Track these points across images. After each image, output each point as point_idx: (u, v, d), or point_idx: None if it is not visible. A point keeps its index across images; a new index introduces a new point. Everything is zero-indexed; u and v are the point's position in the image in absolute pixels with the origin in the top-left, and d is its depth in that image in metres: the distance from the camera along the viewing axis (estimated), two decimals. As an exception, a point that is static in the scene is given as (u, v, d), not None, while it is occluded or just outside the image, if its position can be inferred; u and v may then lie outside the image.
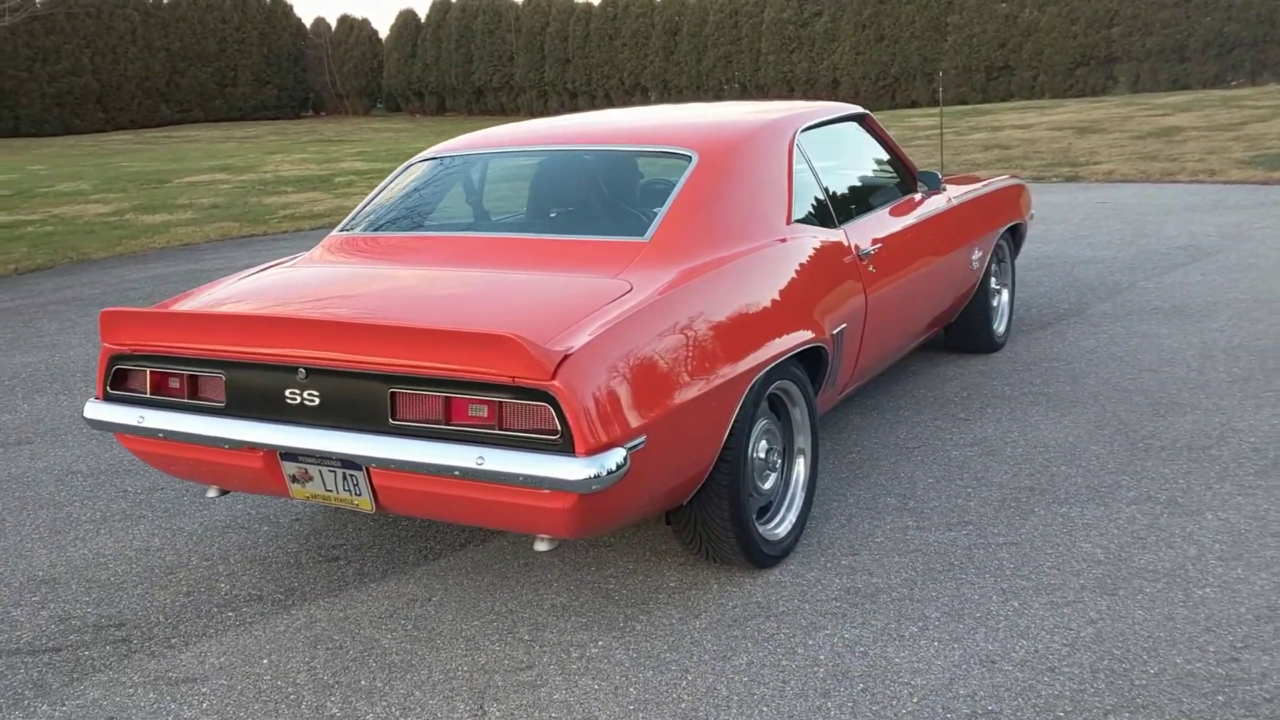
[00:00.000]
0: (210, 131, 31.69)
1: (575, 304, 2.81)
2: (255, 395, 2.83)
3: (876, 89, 29.25)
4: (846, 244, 3.68)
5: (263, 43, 37.80)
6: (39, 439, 4.80)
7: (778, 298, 3.18)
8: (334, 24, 38.93)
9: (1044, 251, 7.48)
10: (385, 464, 2.65)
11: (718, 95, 31.63)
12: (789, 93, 30.29)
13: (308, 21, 39.34)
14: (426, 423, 2.63)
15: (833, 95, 28.71)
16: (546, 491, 2.49)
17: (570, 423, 2.46)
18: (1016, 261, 5.60)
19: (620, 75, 33.23)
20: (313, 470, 2.81)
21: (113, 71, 34.68)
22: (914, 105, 27.73)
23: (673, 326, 2.78)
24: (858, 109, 4.36)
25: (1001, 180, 5.40)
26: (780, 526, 3.29)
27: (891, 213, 4.14)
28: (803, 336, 3.19)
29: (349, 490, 2.80)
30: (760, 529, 3.19)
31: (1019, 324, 5.69)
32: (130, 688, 2.79)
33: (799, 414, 3.35)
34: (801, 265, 3.36)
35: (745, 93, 31.31)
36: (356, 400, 2.69)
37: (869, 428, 4.35)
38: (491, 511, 2.67)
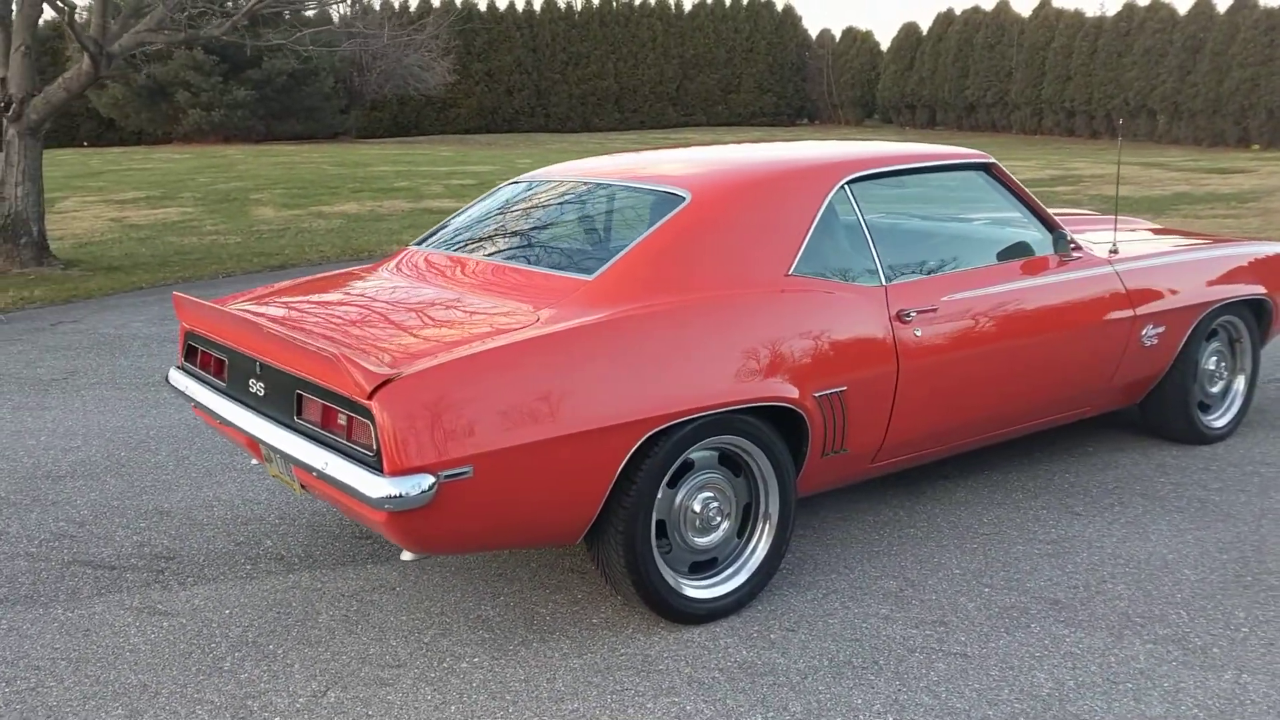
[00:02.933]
0: (704, 135, 33.67)
1: (472, 332, 2.94)
2: (239, 381, 3.26)
3: None
4: (883, 303, 3.42)
5: (768, 52, 39.50)
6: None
7: (722, 349, 3.06)
8: (838, 35, 39.71)
9: None
10: (285, 455, 2.96)
11: (1237, 122, 28.35)
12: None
13: (813, 33, 40.47)
14: (312, 424, 2.90)
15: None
16: (368, 504, 2.67)
17: (381, 442, 2.62)
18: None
19: (1125, 95, 30.83)
20: (268, 452, 3.19)
21: (631, 76, 37.97)
22: None
23: (547, 365, 2.81)
24: (981, 157, 3.97)
25: (1242, 246, 4.62)
26: (719, 586, 3.18)
27: (985, 274, 3.74)
28: (749, 393, 3.05)
29: (287, 473, 3.15)
30: (688, 584, 3.12)
31: (1267, 417, 4.82)
32: (123, 610, 3.33)
33: (763, 475, 3.21)
34: (780, 318, 3.20)
35: (1272, 119, 27.75)
36: (280, 397, 3.03)
37: (953, 500, 3.97)
38: (353, 513, 2.89)
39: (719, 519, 3.16)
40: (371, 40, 23.08)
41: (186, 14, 8.55)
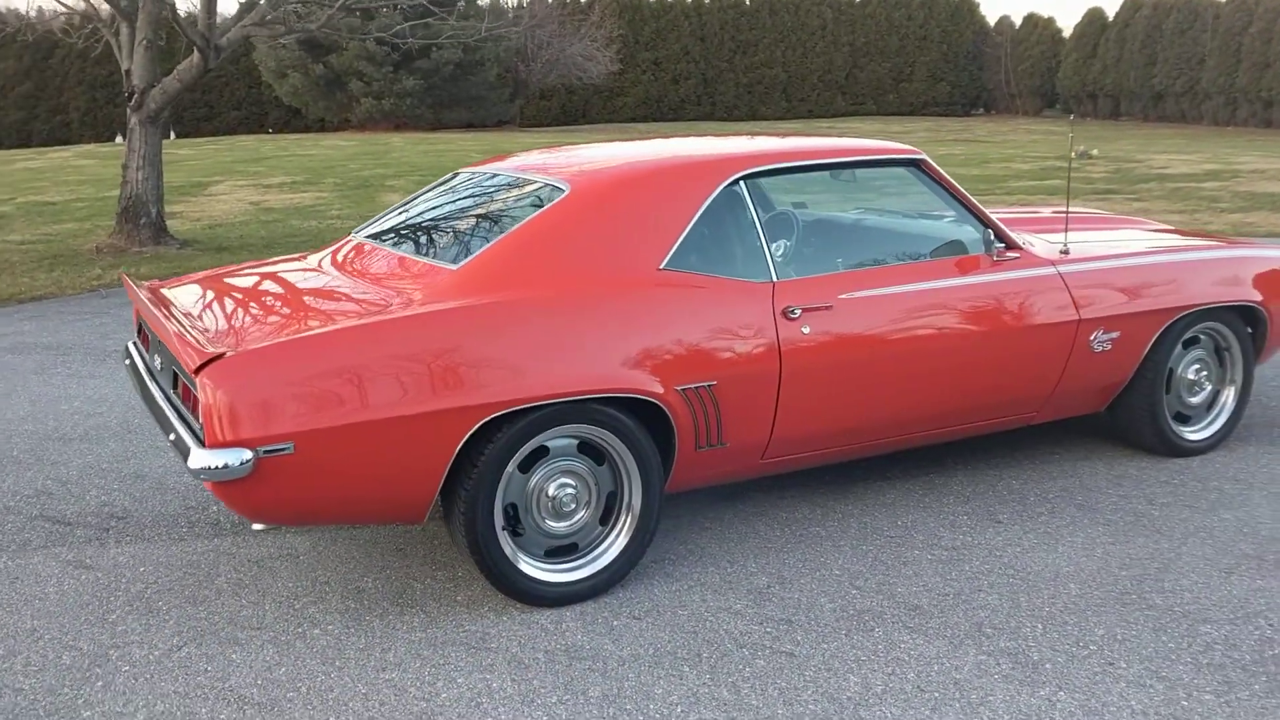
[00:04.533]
0: (872, 125, 33.06)
1: (322, 318, 3.10)
2: (152, 357, 3.52)
3: None
4: (768, 299, 3.41)
5: (943, 40, 38.43)
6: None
7: (574, 340, 3.12)
8: (1018, 22, 38.28)
9: None
10: (165, 427, 3.18)
11: None
12: None
13: (991, 19, 39.14)
14: (180, 400, 3.12)
15: None
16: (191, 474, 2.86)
17: (203, 416, 2.81)
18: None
19: (1329, 84, 28.69)
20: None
21: (800, 64, 37.61)
22: None
23: (373, 351, 2.94)
24: (910, 153, 3.87)
25: (1243, 250, 4.35)
26: (575, 572, 3.25)
27: (894, 272, 3.66)
28: (601, 384, 3.11)
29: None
30: (541, 567, 3.21)
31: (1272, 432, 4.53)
32: (60, 563, 3.65)
33: (625, 466, 3.26)
34: (643, 312, 3.23)
35: None
36: (167, 374, 3.27)
37: (879, 501, 3.90)
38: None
39: (575, 506, 3.23)
40: (532, 29, 23.66)
41: (293, 8, 9.01)
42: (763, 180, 3.56)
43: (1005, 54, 38.08)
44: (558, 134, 27.96)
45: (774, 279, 3.46)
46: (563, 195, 3.39)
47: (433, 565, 3.52)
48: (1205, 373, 4.29)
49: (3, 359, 6.28)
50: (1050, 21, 37.45)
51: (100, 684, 2.88)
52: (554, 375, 3.06)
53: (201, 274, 4.02)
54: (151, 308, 3.34)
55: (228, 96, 32.67)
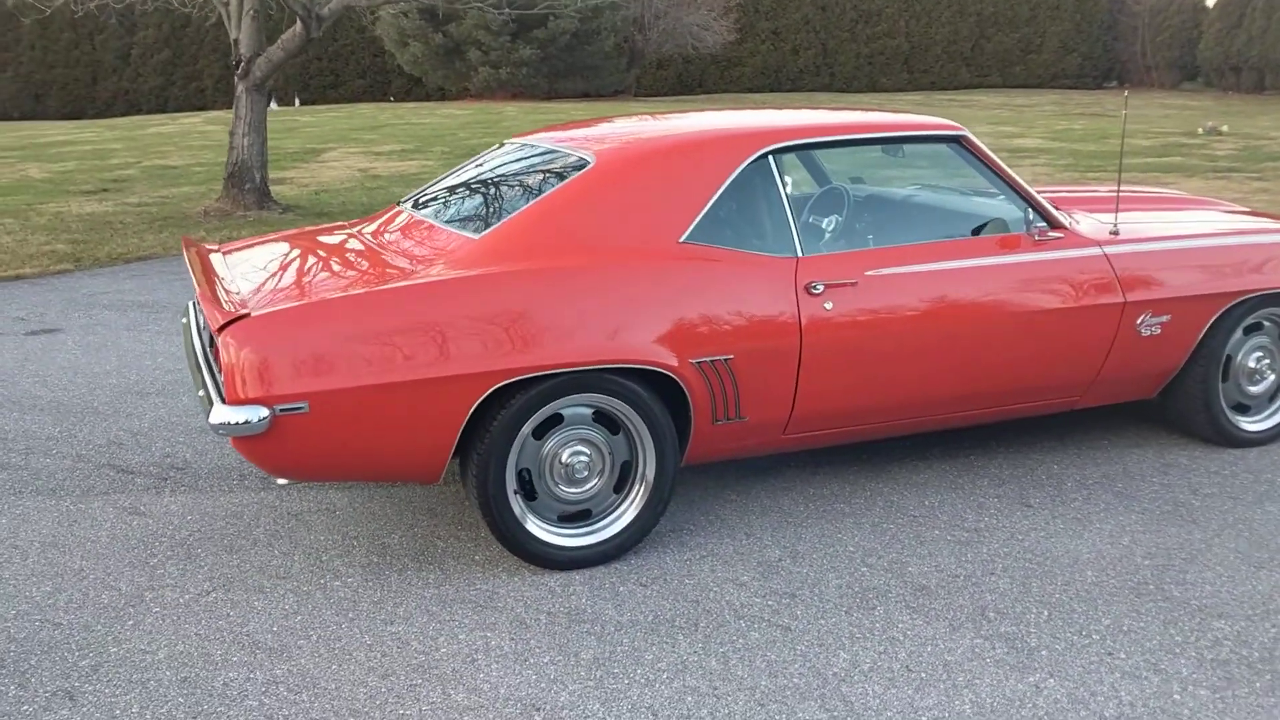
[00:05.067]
0: (996, 98, 32.19)
1: (346, 283, 3.21)
2: (199, 318, 3.69)
3: None
4: (791, 274, 3.40)
5: (1077, 9, 37.15)
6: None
7: (588, 310, 3.16)
8: (1157, -9, 36.72)
9: None
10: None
11: None
12: None
13: (1129, -12, 37.59)
14: (215, 359, 3.28)
15: None
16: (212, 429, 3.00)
17: (223, 373, 2.95)
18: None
19: None
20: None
21: (923, 35, 36.75)
22: None
23: (389, 317, 3.03)
24: (952, 129, 3.79)
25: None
26: (587, 537, 3.32)
27: (926, 250, 3.61)
28: (613, 354, 3.15)
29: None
30: (553, 531, 3.28)
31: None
32: (116, 509, 3.86)
33: (640, 438, 3.30)
34: (659, 284, 3.26)
35: None
36: (207, 334, 3.43)
37: (911, 482, 3.86)
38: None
39: (588, 474, 3.29)
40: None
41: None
42: (791, 155, 3.54)
43: (1143, 24, 36.59)
44: (673, 103, 27.92)
45: (799, 254, 3.44)
46: (588, 167, 3.44)
47: (458, 526, 3.62)
48: (1269, 361, 4.12)
49: (101, 315, 6.62)
50: (1193, -10, 35.83)
51: (131, 623, 3.06)
52: (566, 345, 3.12)
53: (255, 239, 4.18)
54: (196, 270, 3.50)
55: (353, 65, 33.44)
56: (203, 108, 29.93)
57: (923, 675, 2.72)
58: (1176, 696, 2.60)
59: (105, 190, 11.88)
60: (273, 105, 28.75)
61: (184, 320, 4.04)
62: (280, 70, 9.79)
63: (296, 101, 29.31)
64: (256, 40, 9.57)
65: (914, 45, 36.78)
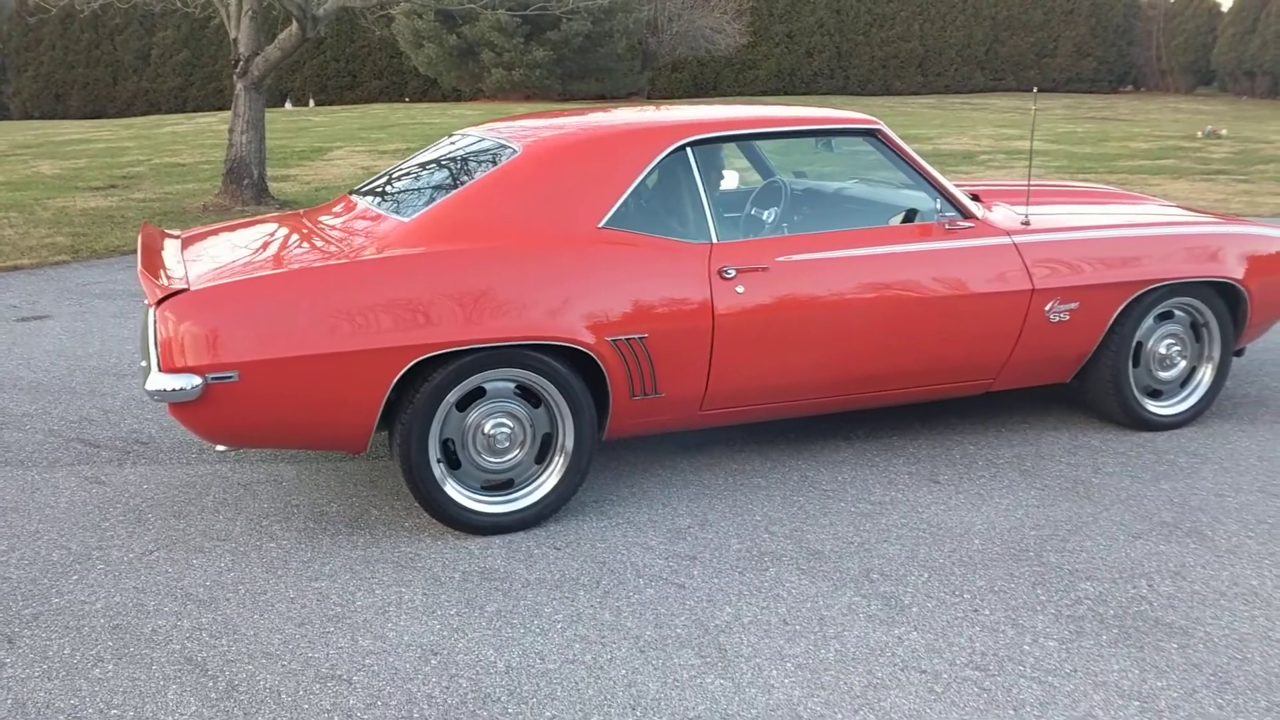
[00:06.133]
0: (1009, 102, 32.25)
1: (285, 259, 3.43)
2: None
3: None
4: (705, 259, 3.60)
5: (1091, 13, 37.18)
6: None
7: (507, 289, 3.37)
8: (1173, -5, 36.72)
9: None
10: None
11: None
12: None
13: (1145, -8, 37.61)
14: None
15: None
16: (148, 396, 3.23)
17: (159, 343, 3.18)
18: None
19: None
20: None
21: (938, 38, 36.88)
22: None
23: (316, 293, 3.25)
24: (867, 123, 3.98)
25: (1233, 227, 4.33)
26: (507, 505, 3.53)
27: (836, 238, 3.80)
28: (530, 331, 3.35)
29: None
30: (475, 498, 3.49)
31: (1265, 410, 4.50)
32: (79, 479, 4.10)
33: (560, 411, 3.51)
34: (577, 266, 3.47)
35: None
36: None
37: (830, 460, 4.06)
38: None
39: (510, 445, 3.50)
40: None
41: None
42: (710, 148, 3.75)
43: (1158, 29, 36.61)
44: (686, 106, 28.11)
45: (713, 240, 3.64)
46: (515, 156, 3.65)
47: (394, 496, 3.84)
48: (1179, 348, 4.29)
49: (92, 303, 6.88)
50: (1209, -6, 35.81)
51: (75, 578, 3.29)
52: (486, 322, 3.33)
53: (215, 225, 4.42)
54: (144, 251, 3.73)
55: (370, 66, 33.85)
56: (221, 107, 30.34)
57: (797, 627, 2.92)
58: (1026, 647, 2.79)
59: (113, 186, 12.18)
60: (287, 105, 29.16)
61: (146, 303, 4.27)
62: (277, 69, 10.05)
63: (311, 102, 29.67)
64: (255, 40, 9.84)
65: (928, 49, 36.90)
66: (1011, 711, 2.54)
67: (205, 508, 3.79)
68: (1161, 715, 2.53)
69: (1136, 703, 2.57)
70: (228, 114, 24.63)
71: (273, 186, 10.82)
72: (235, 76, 9.94)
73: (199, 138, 18.09)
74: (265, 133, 10.12)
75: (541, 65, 28.71)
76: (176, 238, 4.15)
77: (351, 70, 33.57)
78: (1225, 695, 2.60)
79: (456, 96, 31.58)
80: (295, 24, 9.48)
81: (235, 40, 9.93)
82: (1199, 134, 17.66)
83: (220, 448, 3.45)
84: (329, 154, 15.34)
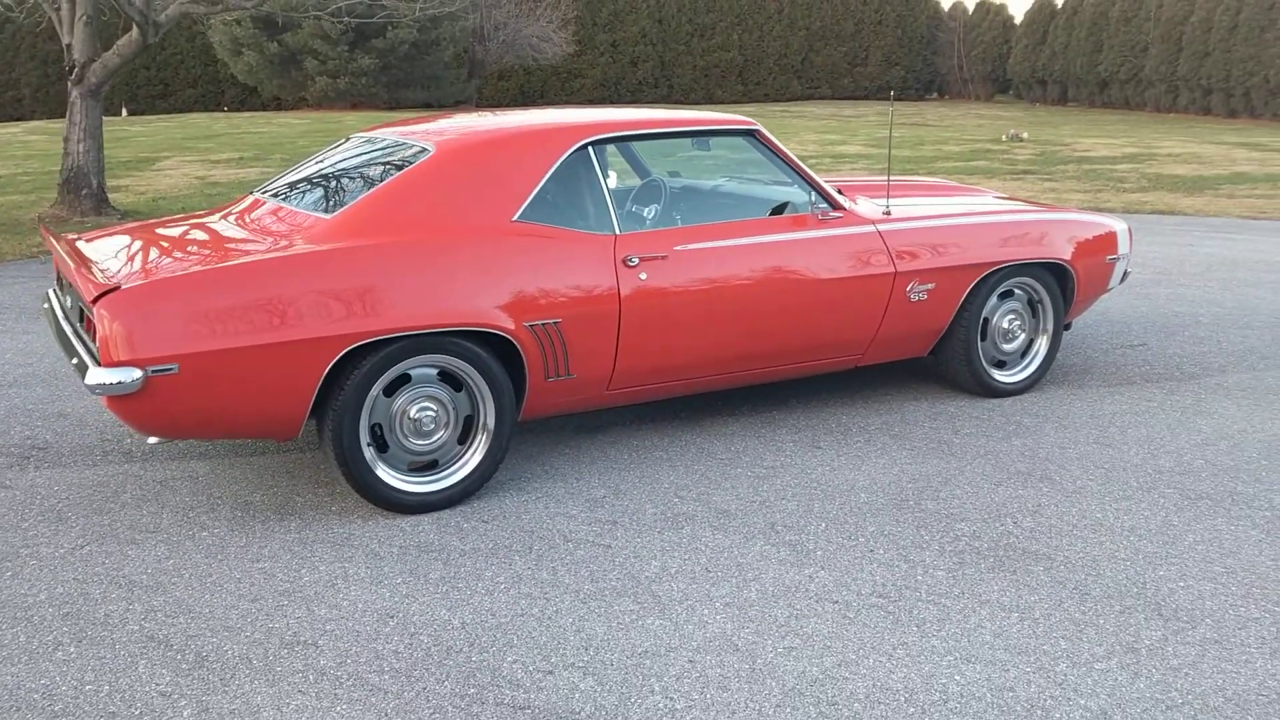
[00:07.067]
0: (826, 109, 33.59)
1: (209, 259, 3.57)
2: (67, 300, 3.97)
3: None
4: (610, 249, 3.90)
5: (898, 25, 39.05)
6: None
7: (428, 280, 3.59)
8: (970, 8, 38.97)
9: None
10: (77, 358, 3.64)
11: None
12: None
13: (945, 5, 39.80)
14: (87, 333, 3.58)
15: None
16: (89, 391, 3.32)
17: (99, 339, 3.27)
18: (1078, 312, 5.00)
19: (1265, 73, 29.49)
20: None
21: (756, 48, 38.09)
22: None
23: (248, 287, 3.41)
24: (746, 124, 4.37)
25: (1062, 214, 4.89)
26: (434, 484, 3.73)
27: (726, 228, 4.17)
28: (452, 318, 3.58)
29: (90, 374, 3.84)
30: (403, 479, 3.69)
31: (1093, 377, 5.09)
32: (9, 488, 4.10)
33: (481, 393, 3.74)
34: (493, 257, 3.72)
35: None
36: (76, 310, 3.72)
37: (721, 432, 4.41)
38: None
39: (434, 427, 3.72)
40: (488, 9, 23.71)
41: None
42: (607, 146, 4.05)
43: (958, 39, 38.78)
44: (584, 110, 28.28)
45: (616, 232, 3.95)
46: (429, 155, 3.88)
47: (315, 484, 4.00)
48: (1019, 323, 4.83)
49: (-57, 316, 6.68)
50: (1002, 8, 38.20)
51: (9, 574, 3.34)
52: (412, 311, 3.54)
53: (117, 227, 4.47)
54: (64, 254, 3.79)
55: (183, 74, 32.75)
56: (20, 118, 28.89)
57: (719, 574, 3.25)
58: (919, 577, 3.20)
59: (-71, 200, 11.62)
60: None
61: (45, 306, 4.29)
62: (115, 76, 9.83)
63: (124, 111, 28.55)
64: (91, 45, 9.62)
65: (747, 58, 38.11)
66: (915, 628, 2.94)
67: (126, 504, 3.86)
68: (1037, 622, 2.96)
69: (1016, 614, 3.00)
70: (33, 124, 23.57)
71: (111, 197, 10.56)
72: (70, 84, 9.68)
73: (6, 149, 17.29)
74: (103, 141, 9.87)
75: (368, 73, 28.43)
76: (80, 239, 4.19)
77: (164, 78, 32.41)
78: (1086, 604, 3.06)
79: (278, 105, 30.91)
80: (136, 30, 9.31)
81: (69, 46, 9.67)
82: (1004, 138, 18.96)
83: (152, 440, 3.55)
84: (158, 164, 14.94)
